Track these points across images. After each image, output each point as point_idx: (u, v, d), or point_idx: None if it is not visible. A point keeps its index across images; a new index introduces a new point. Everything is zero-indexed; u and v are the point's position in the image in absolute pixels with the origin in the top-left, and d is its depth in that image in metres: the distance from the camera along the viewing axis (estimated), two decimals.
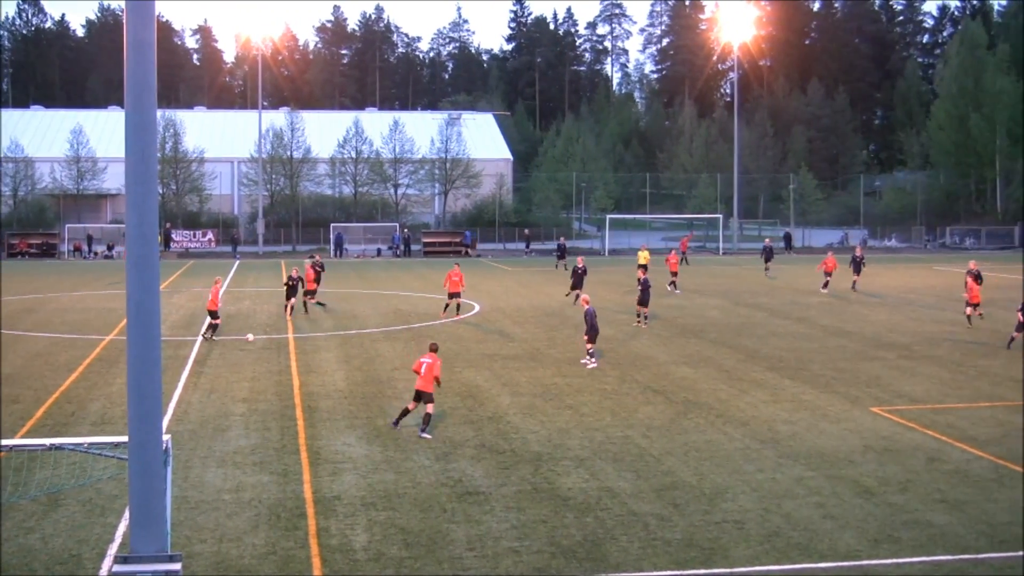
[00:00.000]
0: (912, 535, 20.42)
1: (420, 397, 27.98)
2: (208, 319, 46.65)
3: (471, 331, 47.96)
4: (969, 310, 49.22)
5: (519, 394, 33.77)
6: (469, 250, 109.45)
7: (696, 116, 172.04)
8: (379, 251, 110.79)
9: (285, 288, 54.14)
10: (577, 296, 54.77)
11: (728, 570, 18.62)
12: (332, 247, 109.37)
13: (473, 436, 28.02)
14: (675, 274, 66.76)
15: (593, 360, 38.90)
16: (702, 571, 18.59)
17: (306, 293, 55.15)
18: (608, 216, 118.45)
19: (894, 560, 19.13)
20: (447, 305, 53.05)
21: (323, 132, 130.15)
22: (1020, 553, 19.41)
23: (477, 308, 56.56)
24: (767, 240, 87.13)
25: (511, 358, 40.55)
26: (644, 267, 66.39)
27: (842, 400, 33.01)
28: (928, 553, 19.48)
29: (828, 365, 39.23)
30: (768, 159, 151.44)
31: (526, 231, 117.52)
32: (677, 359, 40.62)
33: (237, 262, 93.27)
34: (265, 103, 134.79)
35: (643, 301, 50.05)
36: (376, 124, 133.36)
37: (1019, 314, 43.16)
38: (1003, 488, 23.54)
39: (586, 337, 39.10)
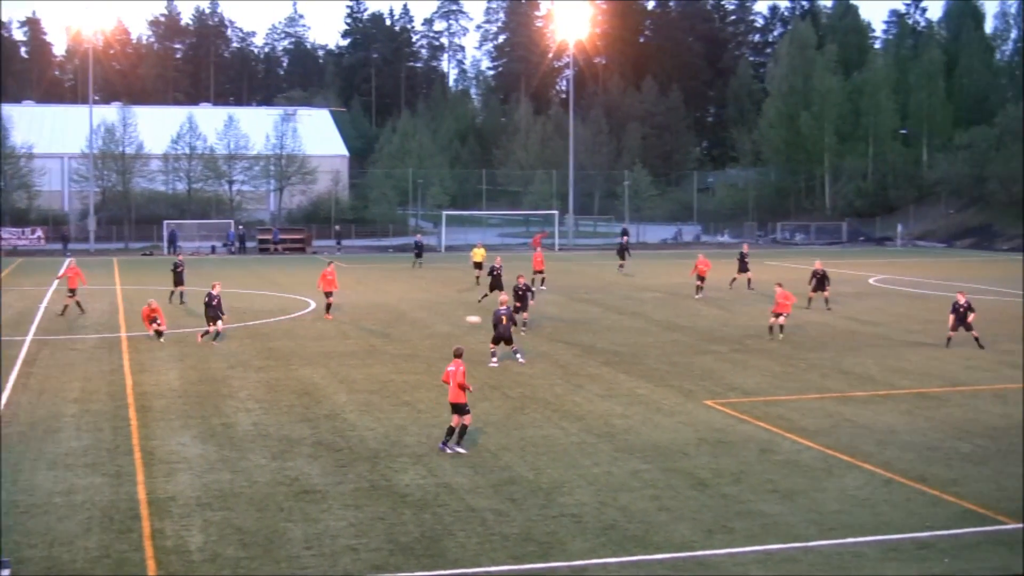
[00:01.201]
0: (745, 525, 20.76)
1: (457, 410, 26.34)
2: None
3: (307, 328, 47.63)
4: (773, 320, 44.69)
5: (356, 391, 33.64)
6: (306, 247, 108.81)
7: (532, 113, 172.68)
8: (213, 248, 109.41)
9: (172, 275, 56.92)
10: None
11: (565, 563, 18.73)
12: (166, 244, 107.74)
13: (310, 434, 27.84)
14: (541, 272, 65.90)
15: (496, 361, 38.30)
16: (540, 565, 18.68)
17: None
18: (444, 212, 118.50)
19: (728, 550, 19.42)
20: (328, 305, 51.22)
21: (156, 128, 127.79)
22: (848, 540, 19.85)
23: (313, 305, 56.18)
24: (624, 237, 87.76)
25: (347, 355, 40.37)
26: (479, 264, 66.53)
27: (676, 394, 33.43)
28: (760, 542, 19.82)
29: (663, 359, 39.72)
30: (603, 156, 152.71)
31: (336, 228, 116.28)
32: (513, 355, 40.75)
33: (68, 260, 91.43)
34: (96, 98, 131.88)
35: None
36: (210, 120, 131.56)
37: (951, 315, 42.99)
38: (832, 477, 24.06)
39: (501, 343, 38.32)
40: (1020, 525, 20.81)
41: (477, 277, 66.52)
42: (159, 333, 43.77)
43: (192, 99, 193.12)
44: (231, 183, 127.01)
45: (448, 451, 25.89)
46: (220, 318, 43.27)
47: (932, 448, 26.61)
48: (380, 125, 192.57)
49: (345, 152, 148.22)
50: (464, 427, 26.15)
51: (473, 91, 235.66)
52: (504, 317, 38.07)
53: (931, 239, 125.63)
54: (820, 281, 55.85)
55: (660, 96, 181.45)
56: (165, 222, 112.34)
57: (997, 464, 25.17)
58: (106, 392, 33.52)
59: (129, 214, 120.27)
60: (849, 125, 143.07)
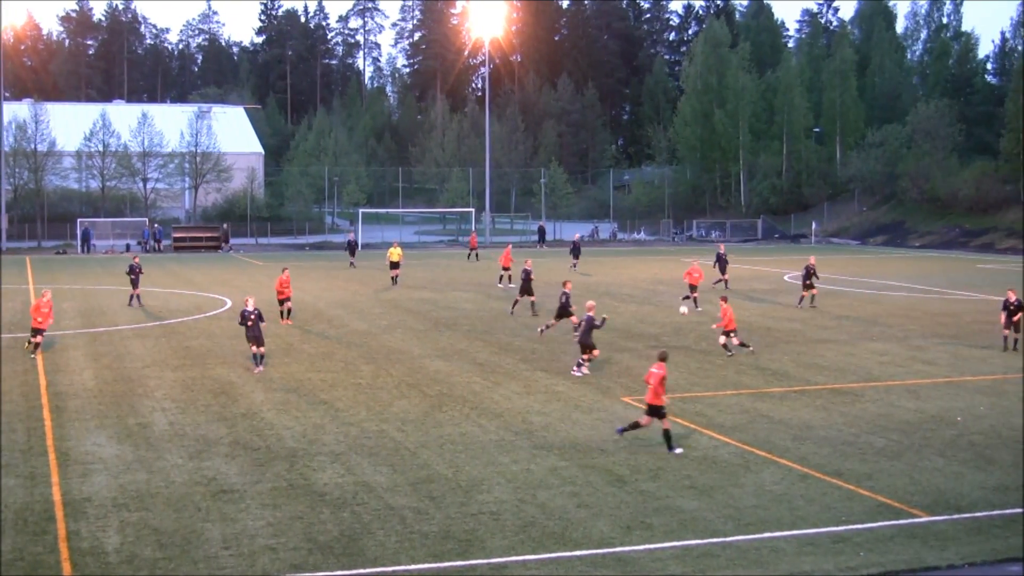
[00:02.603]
0: (663, 521, 20.87)
1: (652, 412, 26.11)
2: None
3: (224, 327, 47.27)
4: (724, 339, 40.79)
5: (273, 390, 33.45)
6: (223, 244, 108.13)
7: (448, 110, 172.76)
8: (128, 246, 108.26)
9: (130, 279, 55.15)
10: (528, 304, 51.96)
11: (485, 561, 18.74)
12: (79, 243, 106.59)
13: (227, 433, 27.64)
14: (507, 269, 66.40)
15: (582, 369, 36.64)
16: (459, 563, 18.66)
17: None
18: (360, 210, 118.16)
19: (646, 546, 19.51)
20: (287, 311, 49.31)
21: (69, 125, 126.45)
22: (765, 535, 20.02)
23: (229, 303, 55.81)
24: (576, 235, 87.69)
25: (264, 354, 40.12)
26: (396, 264, 66.10)
27: (594, 391, 33.54)
28: (679, 538, 19.94)
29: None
30: (519, 153, 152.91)
31: (224, 226, 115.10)
32: (431, 352, 40.76)
33: None
34: (7, 94, 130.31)
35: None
36: (124, 117, 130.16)
37: (1002, 314, 42.49)
38: (748, 473, 24.24)
39: (580, 347, 36.95)
40: (930, 518, 21.12)
41: (393, 277, 65.98)
42: (36, 344, 39.73)
43: (105, 96, 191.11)
44: (145, 181, 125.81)
45: (678, 451, 25.78)
46: (261, 339, 37.13)
47: (847, 443, 26.89)
48: (296, 123, 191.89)
49: (260, 150, 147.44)
50: (666, 431, 25.93)
51: (389, 89, 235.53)
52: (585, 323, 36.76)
53: (845, 236, 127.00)
54: (722, 265, 63.18)
55: (576, 94, 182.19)
56: (79, 220, 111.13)
57: (910, 458, 25.47)
58: (19, 392, 33.08)
59: (42, 212, 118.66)
60: (763, 123, 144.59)
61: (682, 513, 21.35)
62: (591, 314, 36.48)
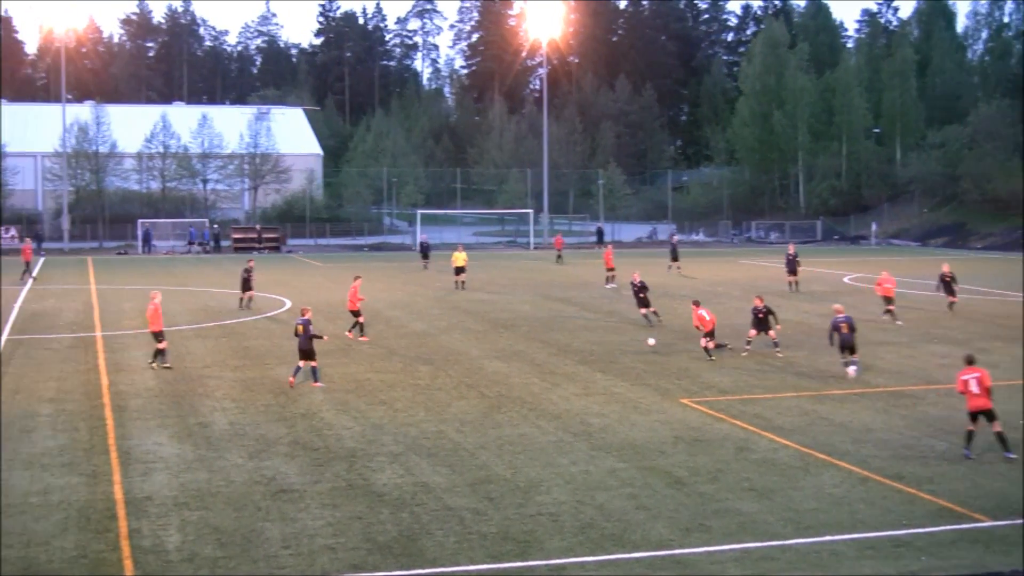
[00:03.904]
0: (722, 523, 20.81)
1: (983, 416, 25.60)
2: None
3: (282, 327, 47.43)
4: (704, 341, 39.93)
5: (332, 390, 33.59)
6: (280, 246, 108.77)
7: (506, 111, 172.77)
8: (189, 247, 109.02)
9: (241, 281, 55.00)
10: (649, 315, 49.42)
11: (543, 562, 18.74)
12: (140, 243, 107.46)
13: (286, 433, 27.79)
14: (611, 270, 66.91)
15: (854, 368, 36.24)
16: (517, 564, 18.69)
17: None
18: (419, 211, 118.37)
19: (705, 548, 19.47)
20: (357, 324, 45.76)
21: (129, 126, 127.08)
22: (825, 538, 19.93)
23: (288, 304, 56.11)
24: (673, 236, 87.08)
25: (323, 354, 40.13)
26: (461, 269, 65.11)
27: (652, 392, 33.48)
28: (737, 540, 19.87)
29: (638, 358, 39.74)
30: (577, 154, 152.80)
31: (215, 225, 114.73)
32: (489, 353, 40.81)
33: (41, 259, 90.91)
34: (69, 96, 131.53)
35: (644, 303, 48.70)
36: (184, 118, 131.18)
37: None
38: (808, 475, 24.13)
39: (846, 351, 36.34)
40: (992, 523, 20.95)
41: (457, 282, 65.36)
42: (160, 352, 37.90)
43: (165, 98, 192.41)
44: (205, 182, 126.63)
45: (1010, 456, 25.42)
46: (309, 352, 34.98)
47: (907, 446, 26.72)
48: (354, 124, 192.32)
49: (319, 151, 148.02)
50: (999, 434, 25.55)
51: (447, 90, 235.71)
52: (844, 325, 36.38)
53: (905, 237, 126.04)
54: (792, 264, 63.26)
55: (633, 95, 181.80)
56: (139, 221, 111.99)
57: (972, 462, 25.26)
58: (81, 391, 33.42)
59: (103, 213, 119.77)
60: (822, 124, 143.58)
61: (741, 516, 21.28)
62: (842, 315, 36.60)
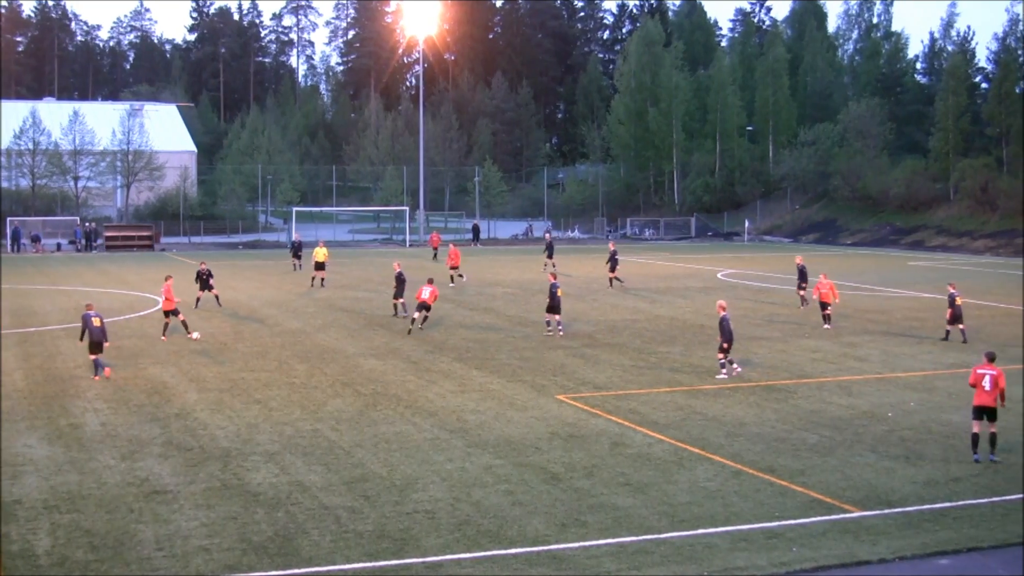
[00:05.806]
0: (598, 518, 20.92)
1: (983, 414, 25.37)
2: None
3: (156, 327, 46.80)
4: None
5: (206, 390, 33.26)
6: (154, 244, 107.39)
7: (382, 109, 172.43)
8: (59, 246, 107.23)
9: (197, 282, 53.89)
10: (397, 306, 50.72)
11: (420, 560, 18.71)
12: (9, 242, 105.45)
13: (160, 434, 27.45)
14: (456, 268, 66.32)
15: (735, 368, 36.10)
16: (394, 562, 18.63)
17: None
18: (294, 209, 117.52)
19: (581, 543, 19.56)
20: (416, 318, 46.23)
21: None
22: (699, 532, 20.13)
23: (161, 303, 55.38)
24: (547, 234, 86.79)
25: (197, 353, 39.90)
26: (321, 265, 64.31)
27: (528, 389, 33.58)
28: (613, 535, 20.00)
29: (514, 355, 39.86)
30: (454, 152, 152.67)
31: (87, 223, 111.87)
32: (365, 351, 40.66)
33: None
34: None
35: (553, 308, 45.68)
36: (55, 115, 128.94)
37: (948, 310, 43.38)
38: (682, 469, 24.35)
39: (724, 345, 35.51)
40: (861, 513, 21.32)
41: (313, 278, 64.65)
42: (184, 325, 43.44)
43: (35, 93, 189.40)
44: (76, 179, 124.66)
45: (993, 459, 25.20)
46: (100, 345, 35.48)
47: (780, 439, 27.08)
48: (229, 121, 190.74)
49: (193, 148, 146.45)
50: (993, 435, 25.32)
51: (323, 87, 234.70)
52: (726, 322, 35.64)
53: (777, 234, 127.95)
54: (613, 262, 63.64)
55: (510, 92, 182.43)
56: (8, 219, 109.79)
57: (842, 454, 25.69)
58: None
59: None
60: (696, 122, 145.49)
61: (617, 510, 21.41)
62: (725, 314, 35.75)
